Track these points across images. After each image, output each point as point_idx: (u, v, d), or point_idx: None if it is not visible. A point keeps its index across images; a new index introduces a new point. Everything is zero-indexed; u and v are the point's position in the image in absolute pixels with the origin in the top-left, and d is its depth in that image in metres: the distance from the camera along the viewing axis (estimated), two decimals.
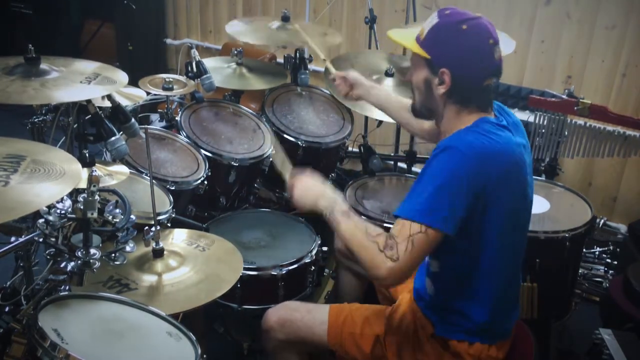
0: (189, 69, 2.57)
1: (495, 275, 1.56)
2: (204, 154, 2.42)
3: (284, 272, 2.13)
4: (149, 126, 2.59)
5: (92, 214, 1.37)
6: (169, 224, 2.00)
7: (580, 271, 2.71)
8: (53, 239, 1.37)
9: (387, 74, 2.76)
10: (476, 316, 1.57)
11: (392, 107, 2.07)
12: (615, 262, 2.89)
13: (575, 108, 2.68)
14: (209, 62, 2.72)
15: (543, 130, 2.81)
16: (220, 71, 2.79)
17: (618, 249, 2.96)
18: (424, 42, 1.52)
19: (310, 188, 1.61)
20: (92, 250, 1.39)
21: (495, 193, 1.44)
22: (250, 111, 2.73)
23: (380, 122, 2.81)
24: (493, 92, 1.57)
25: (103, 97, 1.82)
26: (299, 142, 2.60)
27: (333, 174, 2.82)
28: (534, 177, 2.49)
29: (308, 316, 1.74)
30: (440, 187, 1.41)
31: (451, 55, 1.49)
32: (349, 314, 1.73)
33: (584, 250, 2.83)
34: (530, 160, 1.61)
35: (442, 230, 1.41)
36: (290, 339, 1.73)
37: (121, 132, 1.84)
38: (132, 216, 1.51)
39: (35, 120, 2.09)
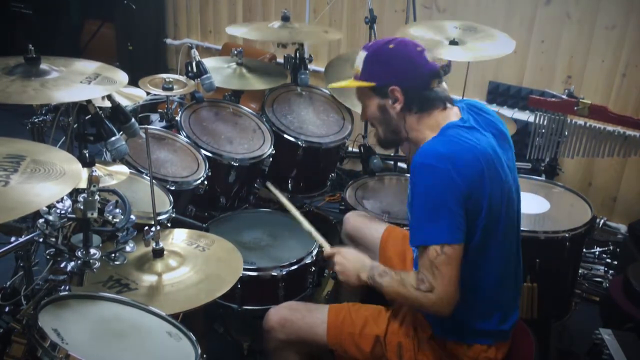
0: (189, 69, 2.57)
1: (489, 275, 1.57)
2: (204, 154, 2.42)
3: (284, 272, 2.13)
4: (149, 126, 2.59)
5: (92, 214, 1.37)
6: (169, 224, 2.00)
7: (580, 271, 2.71)
8: (53, 239, 1.37)
9: None
10: (473, 316, 1.58)
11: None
12: (615, 262, 2.89)
13: (575, 108, 2.68)
14: (209, 62, 2.72)
15: (543, 130, 2.81)
16: (220, 71, 2.79)
17: (618, 249, 2.96)
18: (363, 75, 1.63)
19: (350, 265, 1.70)
20: (92, 250, 1.39)
21: (476, 193, 1.47)
22: (250, 111, 2.74)
23: None
24: (445, 91, 1.62)
25: (103, 97, 1.82)
26: (299, 142, 2.60)
27: (333, 174, 2.82)
28: (534, 177, 2.49)
29: (308, 316, 1.74)
30: (433, 205, 1.47)
31: (392, 71, 1.59)
32: (349, 314, 1.74)
33: (584, 250, 2.83)
34: (509, 156, 1.63)
35: (454, 243, 1.45)
36: (291, 339, 1.73)
37: (121, 132, 1.84)
38: (132, 216, 1.51)
39: (35, 120, 2.09)
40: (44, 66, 1.62)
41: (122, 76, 1.75)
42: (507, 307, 1.65)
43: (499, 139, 1.61)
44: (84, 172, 1.41)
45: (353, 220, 2.17)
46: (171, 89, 2.53)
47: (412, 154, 1.56)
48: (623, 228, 3.18)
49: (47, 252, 1.41)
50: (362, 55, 1.63)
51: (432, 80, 1.59)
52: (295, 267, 2.16)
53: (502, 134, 1.64)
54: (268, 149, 2.55)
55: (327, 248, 1.81)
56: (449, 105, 1.61)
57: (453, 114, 1.60)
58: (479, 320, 1.59)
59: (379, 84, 1.60)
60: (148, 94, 2.45)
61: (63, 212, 1.37)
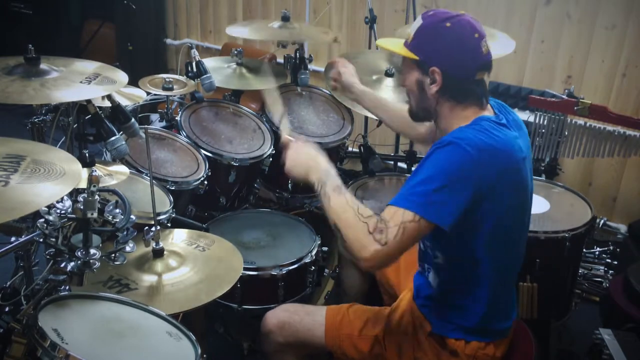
0: (189, 69, 2.57)
1: (492, 272, 1.56)
2: (204, 154, 2.42)
3: (284, 272, 2.13)
4: (149, 126, 2.59)
5: (92, 214, 1.37)
6: (169, 224, 2.00)
7: (580, 271, 2.71)
8: (53, 239, 1.37)
9: (387, 74, 2.76)
10: (472, 313, 1.58)
11: (385, 112, 2.11)
12: (615, 262, 2.89)
13: (575, 108, 2.68)
14: (209, 62, 2.72)
15: (543, 130, 2.81)
16: (220, 71, 2.79)
17: (618, 249, 2.96)
18: (411, 45, 1.56)
19: (304, 157, 1.59)
20: (92, 250, 1.39)
21: (493, 190, 1.44)
22: (250, 111, 2.73)
23: (380, 122, 2.81)
24: (485, 86, 1.57)
25: (103, 97, 1.82)
26: None
27: None
28: (534, 177, 2.50)
29: (306, 318, 1.74)
30: (440, 180, 1.41)
31: (439, 53, 1.51)
32: (346, 315, 1.73)
33: (584, 250, 2.83)
34: (530, 159, 1.61)
35: (438, 223, 1.41)
36: (289, 341, 1.73)
37: (121, 132, 1.84)
38: (132, 216, 1.51)
39: (35, 120, 2.09)
40: (43, 66, 1.62)
41: (122, 76, 1.76)
42: (508, 304, 1.65)
43: (526, 141, 1.60)
44: (84, 172, 1.41)
45: None
46: (171, 89, 2.53)
47: (435, 140, 1.50)
48: (623, 228, 3.18)
49: (47, 252, 1.41)
50: (418, 21, 1.55)
51: (478, 72, 1.52)
52: (295, 266, 2.16)
53: (526, 137, 1.62)
54: (268, 149, 2.55)
55: (285, 135, 1.70)
56: (484, 102, 1.56)
57: (487, 111, 1.57)
58: (476, 315, 1.58)
59: (422, 58, 1.53)
60: (148, 94, 2.45)
61: (63, 212, 1.37)
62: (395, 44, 1.62)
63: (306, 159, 1.59)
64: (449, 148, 1.43)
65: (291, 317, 1.74)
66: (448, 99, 1.54)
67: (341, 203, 1.48)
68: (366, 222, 1.42)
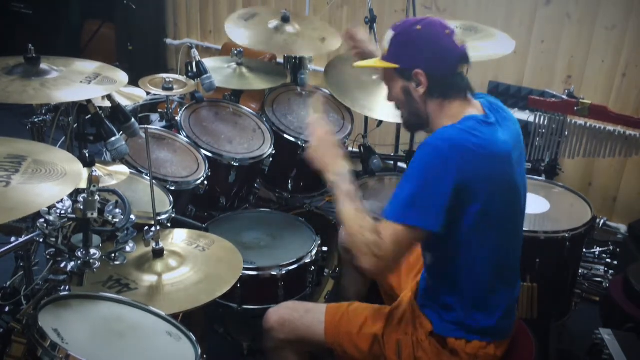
0: (189, 69, 2.57)
1: (478, 271, 1.57)
2: (204, 154, 2.42)
3: (284, 272, 2.13)
4: (149, 126, 2.59)
5: (92, 214, 1.37)
6: (169, 224, 2.00)
7: (580, 271, 2.71)
8: (53, 239, 1.37)
9: None
10: (460, 312, 1.59)
11: None
12: (615, 262, 2.89)
13: (575, 108, 2.68)
14: (209, 62, 2.72)
15: (543, 131, 2.81)
16: (220, 71, 2.79)
17: (618, 249, 2.96)
18: (388, 56, 1.60)
19: (327, 154, 1.64)
20: (92, 250, 1.39)
21: (475, 189, 1.46)
22: (250, 111, 2.74)
23: (380, 122, 2.81)
24: (467, 78, 1.60)
25: (103, 97, 1.82)
26: (299, 142, 2.60)
27: None
28: (534, 177, 2.49)
29: (307, 316, 1.74)
30: (418, 184, 1.45)
31: (417, 54, 1.56)
32: (347, 313, 1.74)
33: (584, 250, 2.83)
34: (521, 157, 1.62)
35: (425, 228, 1.45)
36: (290, 338, 1.74)
37: (121, 132, 1.84)
38: (132, 216, 1.51)
39: (35, 120, 2.09)
40: (44, 66, 1.62)
41: (122, 76, 1.75)
42: (507, 303, 1.65)
43: (514, 139, 1.60)
44: (84, 172, 1.41)
45: None
46: (171, 89, 2.53)
47: None
48: (623, 228, 3.18)
49: (47, 252, 1.41)
50: (389, 34, 1.60)
51: (458, 65, 1.57)
52: (295, 266, 2.16)
53: (517, 133, 1.63)
54: (268, 149, 2.55)
55: (315, 117, 1.75)
56: (470, 95, 1.60)
57: (475, 108, 1.58)
58: (478, 316, 1.59)
59: (403, 65, 1.57)
60: (148, 94, 2.45)
61: (63, 212, 1.37)
62: (373, 61, 1.68)
63: (328, 156, 1.64)
64: (422, 150, 1.48)
65: (292, 314, 1.75)
66: (436, 97, 1.58)
67: (348, 211, 1.54)
68: (366, 235, 1.48)
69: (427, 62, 1.55)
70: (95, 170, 1.41)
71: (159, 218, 1.91)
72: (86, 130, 1.78)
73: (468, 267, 1.56)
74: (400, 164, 3.27)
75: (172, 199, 2.12)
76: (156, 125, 2.68)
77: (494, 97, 1.68)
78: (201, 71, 2.54)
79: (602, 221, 3.12)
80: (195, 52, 2.55)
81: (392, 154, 3.28)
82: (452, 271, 1.59)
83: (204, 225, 2.08)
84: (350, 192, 1.56)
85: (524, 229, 2.16)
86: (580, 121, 2.78)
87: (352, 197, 1.56)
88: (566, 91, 2.74)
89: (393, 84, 1.63)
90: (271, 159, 2.56)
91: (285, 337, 1.74)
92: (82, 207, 1.36)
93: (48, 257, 1.40)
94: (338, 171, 1.60)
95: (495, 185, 1.49)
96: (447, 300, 1.61)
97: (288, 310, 1.77)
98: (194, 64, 2.55)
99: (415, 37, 1.56)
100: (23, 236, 1.42)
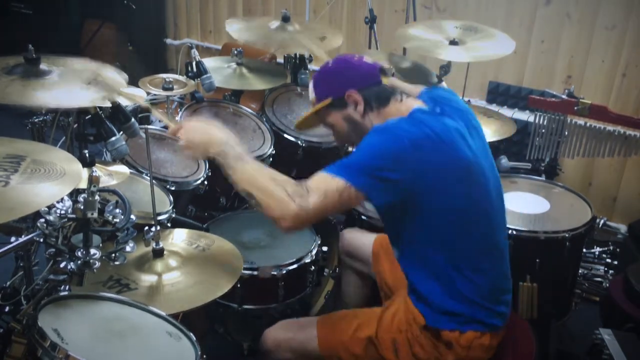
0: (189, 69, 2.57)
1: (441, 257, 1.57)
2: None
3: (284, 272, 2.13)
4: (149, 126, 2.59)
5: (92, 214, 1.37)
6: (169, 224, 2.00)
7: (580, 271, 2.71)
8: (53, 239, 1.37)
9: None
10: (439, 298, 1.59)
11: None
12: (615, 262, 2.89)
13: (575, 108, 2.68)
14: (209, 62, 2.71)
15: (543, 130, 2.81)
16: (220, 71, 2.79)
17: (618, 249, 2.96)
18: (317, 98, 1.70)
19: (198, 135, 1.59)
20: (92, 250, 1.39)
21: (428, 179, 1.48)
22: (250, 111, 2.74)
23: None
24: (393, 87, 1.68)
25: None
26: (299, 142, 2.60)
27: None
28: (534, 177, 2.48)
29: (300, 334, 1.76)
30: (371, 157, 1.48)
31: (341, 79, 1.67)
32: (337, 322, 1.75)
33: (584, 250, 2.83)
34: (479, 144, 1.62)
35: (368, 195, 1.47)
36: (288, 357, 1.76)
37: (121, 132, 1.84)
38: (132, 216, 1.51)
39: (35, 120, 2.09)
40: (43, 66, 1.61)
41: (122, 76, 1.75)
42: (497, 290, 1.64)
43: (469, 126, 1.62)
44: (84, 172, 1.41)
45: (347, 236, 2.18)
46: (171, 89, 2.52)
47: None
48: (623, 228, 3.18)
49: (47, 252, 1.41)
50: (311, 85, 1.72)
51: (379, 76, 1.66)
52: (295, 266, 2.16)
53: (470, 121, 1.65)
54: (268, 149, 2.55)
55: (172, 125, 1.67)
56: (404, 96, 1.66)
57: (415, 104, 1.63)
58: (452, 303, 1.59)
59: (334, 95, 1.66)
60: (148, 94, 2.45)
61: (63, 212, 1.37)
62: (307, 111, 1.78)
63: (200, 135, 1.59)
64: (380, 131, 1.51)
65: (285, 334, 1.77)
66: (375, 108, 1.64)
67: (250, 170, 1.53)
68: (284, 186, 1.47)
69: (352, 80, 1.64)
70: (95, 170, 1.41)
71: (159, 218, 1.91)
72: (86, 130, 1.78)
73: (431, 254, 1.58)
74: None
75: (172, 199, 2.12)
76: (156, 125, 2.68)
77: (442, 88, 1.77)
78: (201, 71, 2.54)
79: (602, 221, 3.12)
80: (195, 52, 2.55)
81: None
82: (419, 260, 1.60)
83: (204, 225, 2.08)
84: (241, 154, 1.53)
85: (524, 228, 2.17)
86: (580, 121, 2.78)
87: (243, 157, 1.53)
88: (566, 91, 2.74)
89: (334, 120, 1.69)
90: (271, 159, 2.56)
91: (283, 357, 1.76)
92: (82, 207, 1.36)
93: (48, 257, 1.40)
94: (218, 142, 1.55)
95: (452, 173, 1.51)
96: (423, 289, 1.62)
97: (281, 331, 1.78)
98: (194, 64, 2.54)
99: (331, 69, 1.70)
100: (23, 236, 1.42)
